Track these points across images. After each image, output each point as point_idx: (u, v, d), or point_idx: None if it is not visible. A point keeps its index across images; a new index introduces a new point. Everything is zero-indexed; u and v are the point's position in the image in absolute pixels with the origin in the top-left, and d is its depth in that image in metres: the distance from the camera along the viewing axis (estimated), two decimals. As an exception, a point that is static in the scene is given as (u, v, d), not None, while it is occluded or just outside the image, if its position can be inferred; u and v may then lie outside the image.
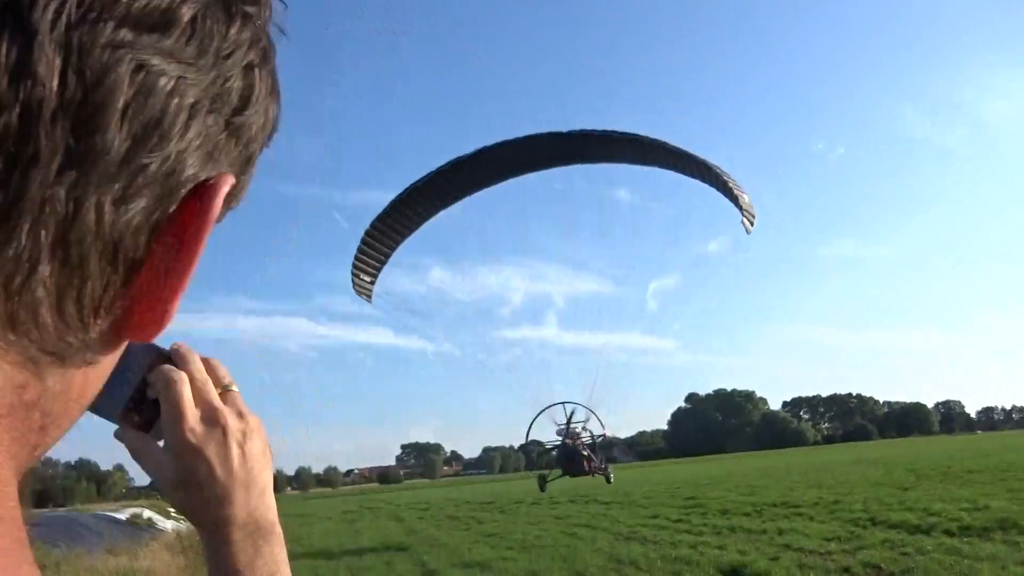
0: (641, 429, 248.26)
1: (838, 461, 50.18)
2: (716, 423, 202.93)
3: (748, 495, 24.63)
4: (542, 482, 22.34)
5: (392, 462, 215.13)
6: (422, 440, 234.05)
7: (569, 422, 20.37)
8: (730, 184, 14.78)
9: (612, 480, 22.01)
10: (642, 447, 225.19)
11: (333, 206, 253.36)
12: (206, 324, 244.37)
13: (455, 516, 28.94)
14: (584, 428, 20.44)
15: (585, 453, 20.22)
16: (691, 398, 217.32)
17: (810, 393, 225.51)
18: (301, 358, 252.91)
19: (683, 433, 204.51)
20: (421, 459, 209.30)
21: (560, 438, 20.61)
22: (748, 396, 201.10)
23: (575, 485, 50.52)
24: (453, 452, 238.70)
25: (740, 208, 14.88)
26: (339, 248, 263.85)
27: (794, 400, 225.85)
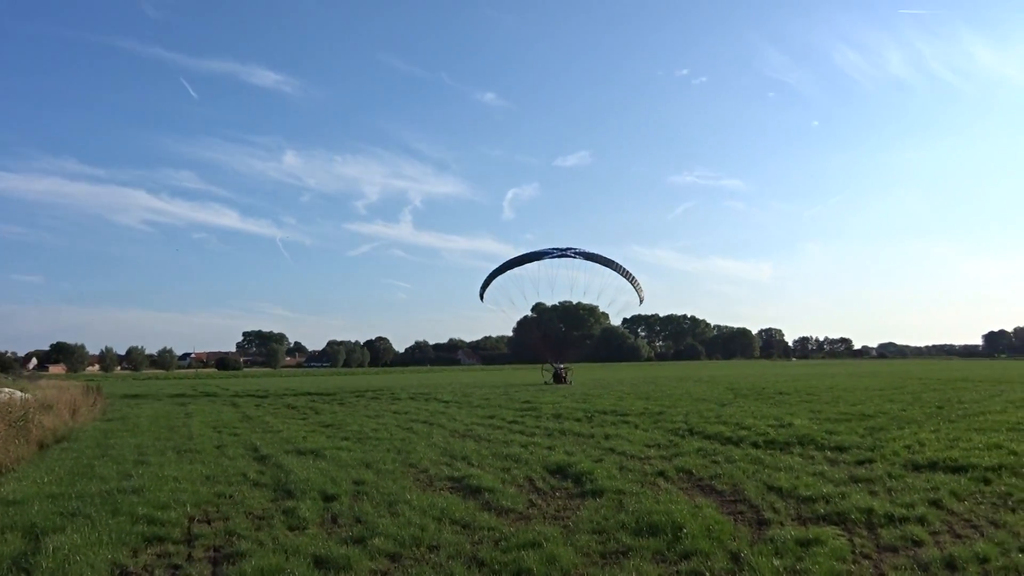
0: (487, 334, 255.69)
1: (667, 377, 53.91)
2: (559, 333, 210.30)
3: (581, 402, 25.80)
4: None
5: (232, 349, 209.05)
6: (265, 329, 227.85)
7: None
8: (631, 275, 38.47)
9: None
10: (486, 351, 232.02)
11: (181, 71, 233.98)
12: (29, 186, 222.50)
13: (293, 406, 28.60)
14: None
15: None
16: (537, 307, 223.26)
17: (648, 312, 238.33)
18: (138, 234, 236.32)
19: (526, 340, 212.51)
20: (263, 348, 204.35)
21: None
22: (591, 310, 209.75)
23: (419, 383, 51.14)
24: (297, 343, 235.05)
25: (636, 288, 37.81)
26: (187, 118, 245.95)
27: (633, 318, 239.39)
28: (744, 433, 15.53)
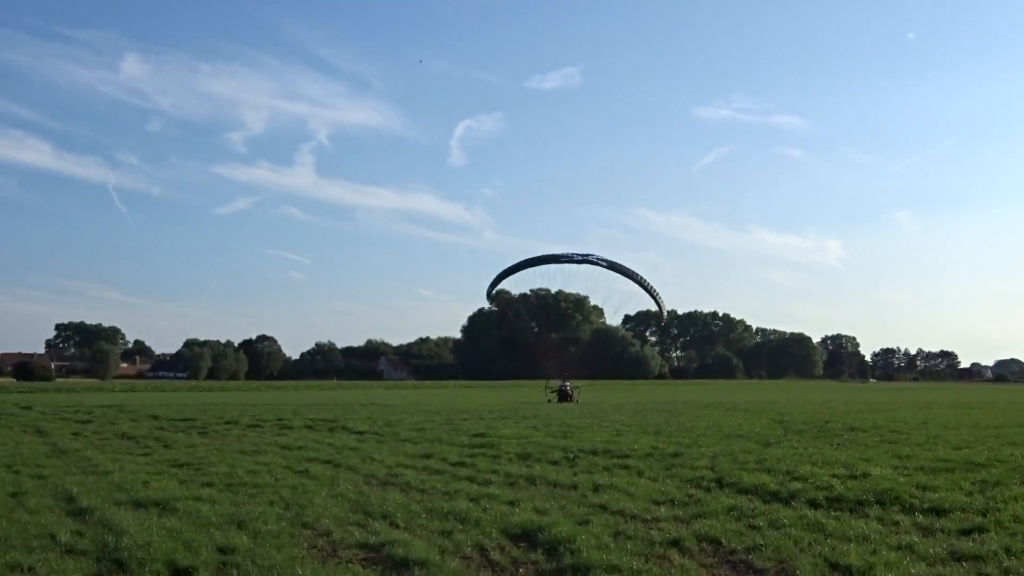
0: (423, 335, 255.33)
1: (686, 402, 54.31)
2: (529, 335, 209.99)
3: (560, 436, 25.95)
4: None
5: (40, 349, 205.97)
6: (90, 321, 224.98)
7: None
8: (654, 291, 50.06)
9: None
10: (422, 360, 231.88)
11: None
12: None
13: (130, 435, 28.32)
14: None
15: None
16: (498, 297, 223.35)
17: (651, 306, 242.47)
18: None
19: (482, 346, 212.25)
20: (86, 348, 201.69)
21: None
22: (577, 304, 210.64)
23: (321, 405, 51.14)
24: (138, 343, 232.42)
25: (659, 304, 51.51)
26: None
27: (640, 316, 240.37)
28: (798, 486, 15.70)
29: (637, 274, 49.71)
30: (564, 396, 56.71)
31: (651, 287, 49.97)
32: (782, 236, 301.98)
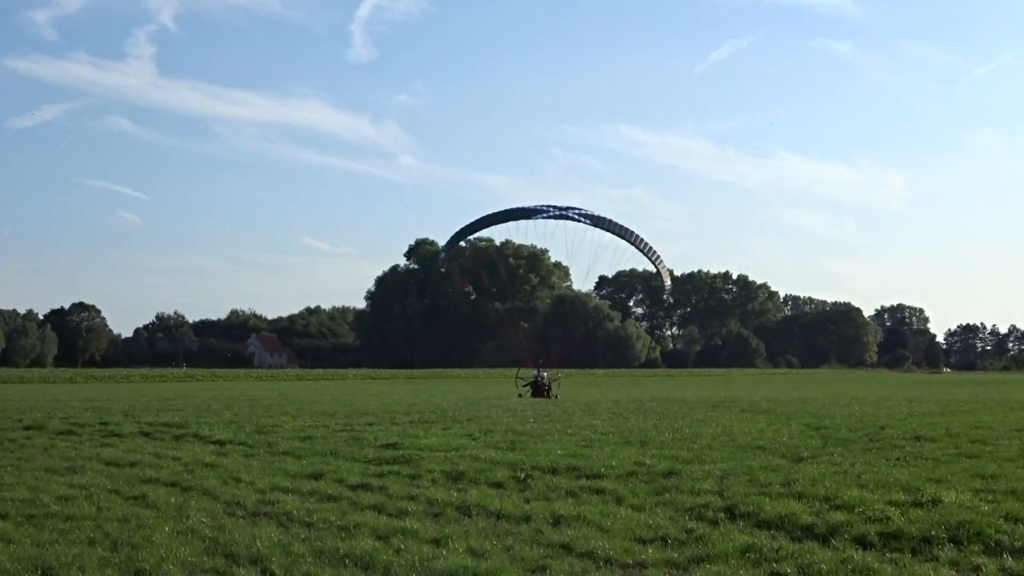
0: (310, 304, 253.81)
1: (687, 401, 54.58)
2: (463, 307, 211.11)
3: (506, 448, 26.20)
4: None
5: None
6: None
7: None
8: (656, 255, 52.64)
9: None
10: (310, 340, 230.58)
11: None
12: None
13: None
14: None
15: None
16: (418, 251, 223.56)
17: (649, 268, 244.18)
18: None
19: (396, 320, 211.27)
20: None
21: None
22: (534, 259, 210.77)
23: (164, 404, 50.84)
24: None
25: (661, 273, 54.76)
26: None
27: (617, 278, 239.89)
28: (840, 518, 15.88)
29: (634, 233, 50.92)
30: (539, 389, 59.99)
31: (652, 251, 51.94)
32: (821, 165, 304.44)
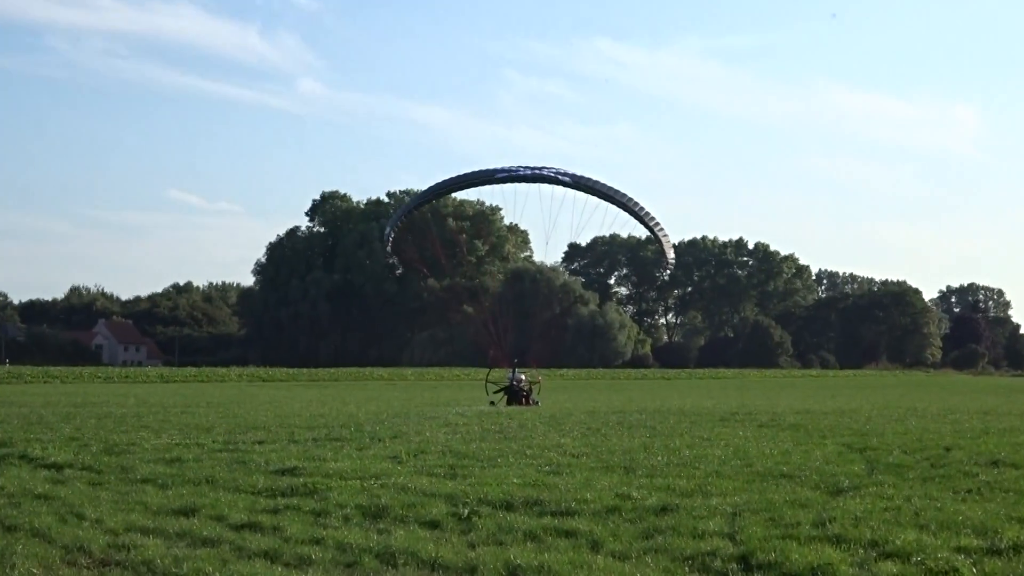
0: (177, 280, 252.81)
1: (687, 412, 54.83)
2: (385, 281, 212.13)
3: (444, 476, 26.42)
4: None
5: None
6: None
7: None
8: (655, 222, 56.21)
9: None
10: (177, 328, 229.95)
11: None
12: None
13: None
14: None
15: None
16: (326, 209, 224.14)
17: (636, 234, 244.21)
18: None
19: (295, 302, 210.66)
20: None
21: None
22: (480, 219, 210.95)
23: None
24: None
25: (663, 245, 59.67)
26: None
27: (594, 246, 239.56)
28: (892, 570, 16.07)
29: (627, 197, 52.84)
30: (514, 396, 63.11)
31: (650, 218, 54.19)
32: (870, 99, 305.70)
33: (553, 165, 53.63)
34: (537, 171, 51.88)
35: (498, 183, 53.13)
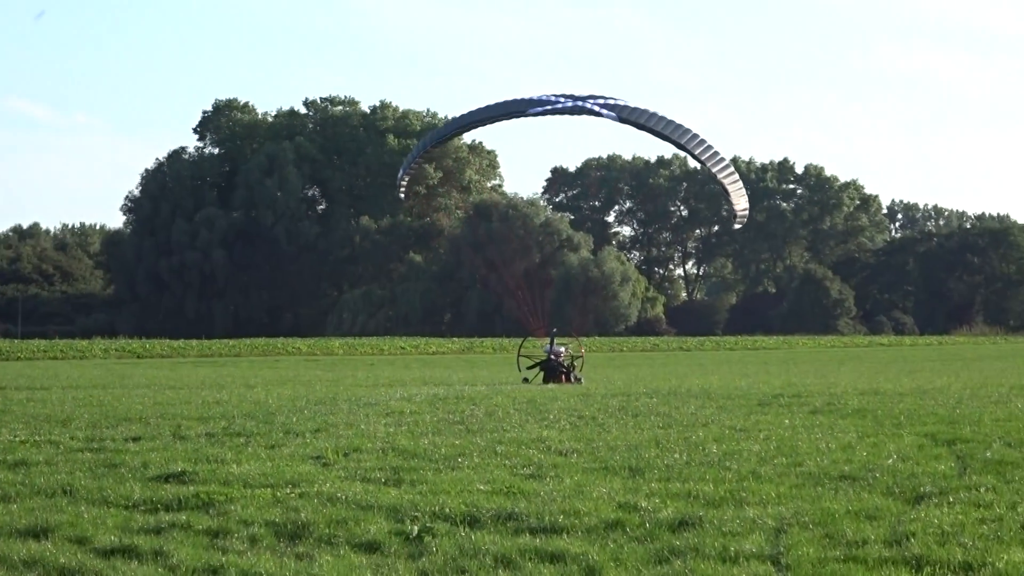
0: (21, 222, 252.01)
1: (713, 393, 55.02)
2: (304, 221, 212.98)
3: (386, 481, 26.61)
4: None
5: None
6: None
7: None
8: (723, 162, 59.31)
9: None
10: (21, 287, 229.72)
11: None
12: None
13: None
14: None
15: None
16: (221, 122, 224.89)
17: (657, 154, 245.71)
18: None
19: (182, 251, 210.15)
20: None
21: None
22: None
23: None
24: None
25: (729, 194, 60.72)
26: None
27: (585, 171, 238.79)
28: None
29: (689, 131, 53.68)
30: (552, 372, 68.53)
31: (720, 161, 55.58)
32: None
33: (595, 93, 53.16)
34: (580, 102, 52.22)
35: (532, 116, 53.94)
